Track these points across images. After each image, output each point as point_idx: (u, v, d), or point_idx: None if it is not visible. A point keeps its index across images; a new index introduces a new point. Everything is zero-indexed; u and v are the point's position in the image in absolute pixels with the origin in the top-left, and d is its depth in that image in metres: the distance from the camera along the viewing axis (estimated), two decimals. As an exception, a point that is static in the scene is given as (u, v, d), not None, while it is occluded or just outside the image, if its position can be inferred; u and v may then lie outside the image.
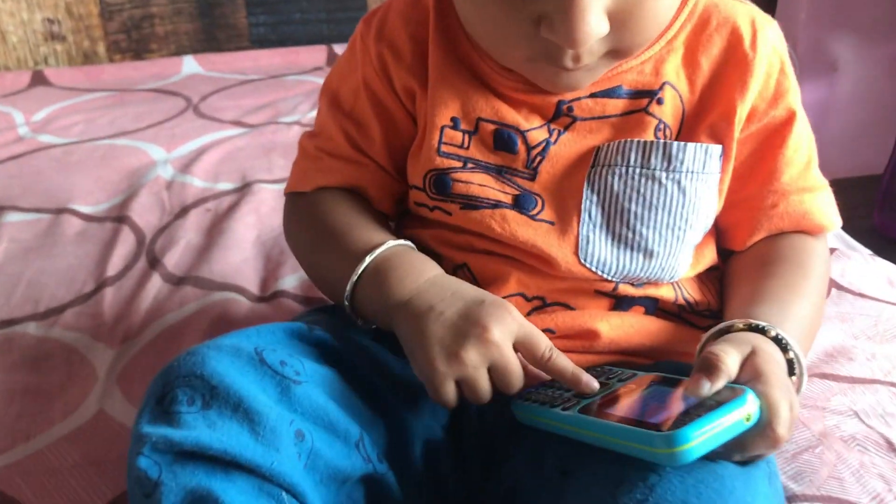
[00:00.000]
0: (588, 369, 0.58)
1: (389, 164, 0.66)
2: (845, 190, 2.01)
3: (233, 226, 1.00)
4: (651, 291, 0.62)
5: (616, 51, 0.55)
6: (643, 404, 0.50)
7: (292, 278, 0.91)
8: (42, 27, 1.46)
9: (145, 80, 1.46)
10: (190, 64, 1.51)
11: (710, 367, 0.49)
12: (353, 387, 0.57)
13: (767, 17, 0.62)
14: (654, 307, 0.63)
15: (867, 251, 1.00)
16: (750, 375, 0.50)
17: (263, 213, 1.04)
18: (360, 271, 0.59)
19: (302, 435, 0.52)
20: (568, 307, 0.61)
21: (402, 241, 0.61)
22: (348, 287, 0.59)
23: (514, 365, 0.54)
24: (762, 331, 0.55)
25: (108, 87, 1.43)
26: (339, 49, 1.55)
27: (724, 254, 0.68)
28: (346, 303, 0.60)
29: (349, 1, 1.57)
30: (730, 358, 0.50)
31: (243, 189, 1.09)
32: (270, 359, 0.54)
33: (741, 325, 0.55)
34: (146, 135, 1.25)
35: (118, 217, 1.03)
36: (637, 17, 0.52)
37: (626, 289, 0.61)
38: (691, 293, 0.64)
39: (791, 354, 0.54)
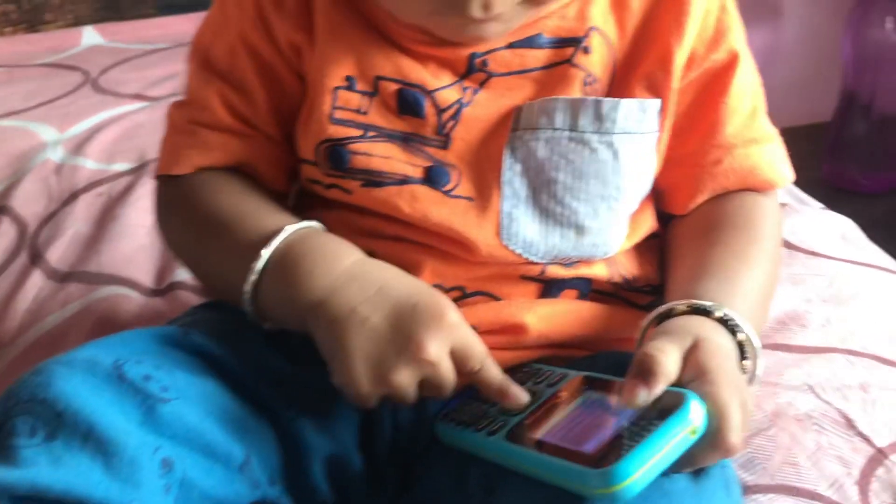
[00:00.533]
0: (515, 369, 0.52)
1: (279, 133, 0.58)
2: (793, 140, 1.96)
3: (127, 211, 0.92)
4: (583, 271, 0.56)
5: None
6: (575, 422, 0.45)
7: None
8: (-79, -1, 1.34)
9: (40, 54, 1.35)
10: (90, 35, 1.40)
11: (645, 372, 0.44)
12: (238, 401, 0.51)
13: None
14: (588, 289, 0.56)
15: (819, 205, 0.94)
16: (693, 374, 0.45)
17: (162, 195, 0.95)
18: (258, 267, 0.50)
19: (170, 464, 0.45)
20: (491, 297, 0.55)
21: (305, 224, 0.52)
22: (247, 287, 0.51)
23: (448, 380, 0.48)
24: (706, 312, 0.50)
25: (-3, 64, 1.31)
26: (254, 12, 1.45)
27: (665, 218, 0.61)
28: (248, 307, 0.51)
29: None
30: (668, 358, 0.45)
31: (140, 169, 1.00)
32: (132, 373, 0.47)
33: (683, 308, 0.50)
34: (36, 114, 1.15)
35: (-1, 207, 0.94)
36: None
37: (554, 270, 0.55)
38: (628, 268, 0.58)
39: (742, 336, 0.49)
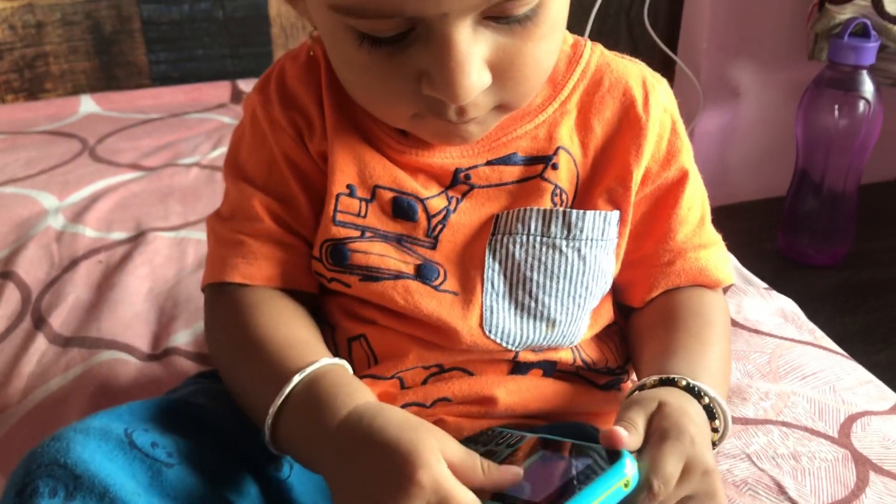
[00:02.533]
0: (479, 434, 0.57)
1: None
2: (750, 212, 2.07)
3: (124, 279, 0.97)
4: (550, 356, 0.62)
5: (503, 104, 0.54)
6: (528, 477, 0.49)
7: (185, 333, 0.88)
8: (-73, 68, 1.40)
9: (40, 122, 1.41)
10: (87, 103, 1.46)
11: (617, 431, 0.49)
12: (233, 464, 0.56)
13: (657, 76, 0.63)
14: (553, 369, 0.62)
15: (763, 285, 1.02)
16: (653, 433, 0.50)
17: (157, 263, 1.01)
18: (278, 401, 0.52)
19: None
20: (466, 372, 0.61)
21: (327, 361, 0.54)
22: (271, 410, 0.52)
23: None
24: (673, 382, 0.55)
25: (-1, 130, 1.37)
26: (244, 85, 1.52)
27: (624, 310, 0.68)
28: (267, 433, 0.53)
29: (252, 36, 1.54)
30: (638, 422, 0.50)
31: (137, 238, 1.05)
32: (140, 441, 0.53)
33: (653, 381, 0.56)
34: (37, 182, 1.20)
35: (2, 273, 0.99)
36: (519, 66, 0.52)
37: (525, 355, 0.61)
38: (589, 353, 0.64)
39: (707, 399, 0.54)
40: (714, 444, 0.55)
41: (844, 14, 1.51)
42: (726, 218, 1.90)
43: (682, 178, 0.62)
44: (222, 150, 1.28)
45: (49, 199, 1.15)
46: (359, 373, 0.59)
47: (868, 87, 1.51)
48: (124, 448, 0.52)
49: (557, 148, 0.60)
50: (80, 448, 0.50)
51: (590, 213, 0.59)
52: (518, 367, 0.61)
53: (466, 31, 0.48)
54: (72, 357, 0.85)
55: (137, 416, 0.55)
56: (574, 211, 0.59)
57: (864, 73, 1.51)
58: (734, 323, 0.91)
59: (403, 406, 0.59)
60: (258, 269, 0.60)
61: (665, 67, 1.83)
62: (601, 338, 0.66)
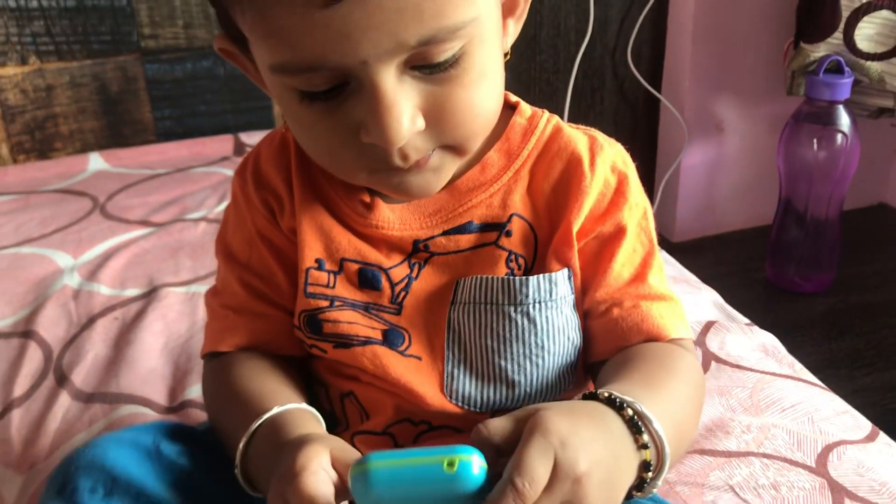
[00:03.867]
0: None
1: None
2: (738, 242, 2.14)
3: (140, 335, 1.02)
4: None
5: (448, 146, 0.56)
6: None
7: (199, 387, 0.93)
8: (-58, 132, 1.46)
9: (51, 180, 1.46)
10: (96, 161, 1.52)
11: (471, 441, 0.49)
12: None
13: (610, 140, 0.66)
14: None
15: (745, 321, 1.07)
16: (524, 431, 0.47)
17: (170, 318, 1.06)
18: (242, 443, 0.58)
19: None
20: (455, 430, 0.64)
21: (286, 407, 0.59)
22: (239, 451, 0.58)
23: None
24: (595, 397, 0.53)
25: (12, 190, 1.43)
26: (245, 138, 1.58)
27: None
28: (238, 472, 0.58)
29: (253, 91, 1.61)
30: (491, 426, 0.49)
31: (150, 294, 1.11)
32: (167, 451, 0.60)
33: (580, 398, 0.55)
34: (52, 241, 1.25)
35: (24, 332, 1.04)
36: (451, 110, 0.54)
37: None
38: None
39: (629, 412, 0.51)
40: (648, 465, 0.51)
41: (818, 52, 1.58)
42: (715, 248, 1.99)
43: (618, 234, 0.63)
44: (227, 203, 1.34)
45: (64, 257, 1.21)
46: (354, 428, 0.64)
47: (844, 120, 1.58)
48: (152, 456, 0.59)
49: (511, 215, 0.63)
50: (114, 454, 0.57)
51: (532, 279, 0.61)
52: None
53: (391, 79, 0.51)
54: (94, 412, 0.90)
55: (162, 432, 0.62)
56: (518, 278, 0.61)
57: (840, 107, 1.57)
58: (717, 359, 0.97)
59: None
60: (240, 339, 0.66)
61: (649, 105, 1.90)
62: None
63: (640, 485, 0.52)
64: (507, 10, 0.59)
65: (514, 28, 0.61)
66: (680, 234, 1.94)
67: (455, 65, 0.52)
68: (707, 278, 1.71)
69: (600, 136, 0.66)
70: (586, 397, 0.53)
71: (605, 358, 0.64)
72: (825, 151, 1.60)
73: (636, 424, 0.51)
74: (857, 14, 1.52)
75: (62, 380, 0.96)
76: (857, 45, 1.55)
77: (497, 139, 0.64)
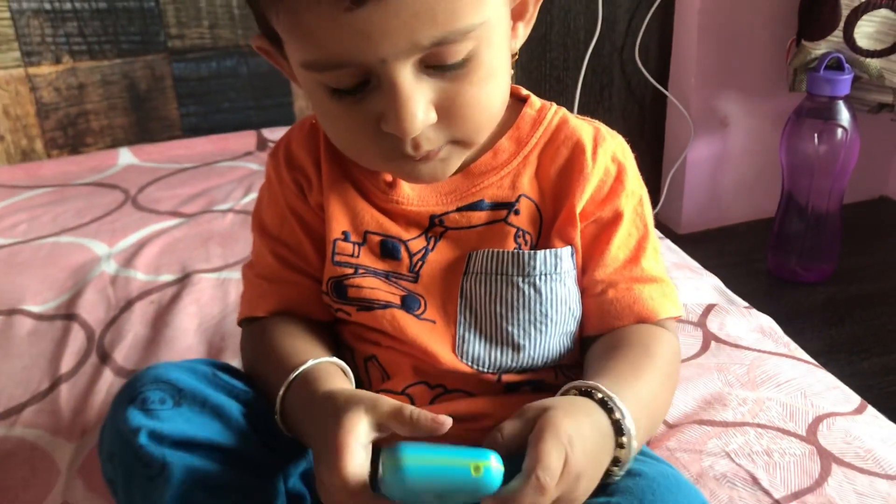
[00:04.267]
0: None
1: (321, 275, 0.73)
2: (742, 234, 2.20)
3: (176, 317, 1.09)
4: (532, 376, 0.71)
5: (457, 140, 0.62)
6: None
7: (235, 362, 1.00)
8: (-20, 129, 1.54)
9: (83, 174, 1.53)
10: (125, 155, 1.59)
11: (487, 445, 0.56)
12: None
13: (612, 132, 0.73)
14: (541, 387, 0.71)
15: (744, 304, 1.13)
16: (533, 433, 0.54)
17: (203, 302, 1.13)
18: (282, 390, 0.65)
19: (254, 425, 0.65)
20: (467, 394, 0.70)
21: (317, 360, 0.66)
22: (277, 400, 0.66)
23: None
24: (590, 395, 0.60)
25: (47, 183, 1.50)
26: (268, 133, 1.65)
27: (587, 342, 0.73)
28: (278, 417, 0.66)
29: (274, 88, 1.68)
30: (506, 430, 0.56)
31: (183, 280, 1.18)
32: (224, 377, 0.68)
33: (573, 391, 0.61)
34: (88, 230, 1.32)
35: (67, 314, 1.11)
36: (461, 105, 0.59)
37: (508, 377, 0.70)
38: (572, 376, 0.72)
39: (617, 415, 0.58)
40: (618, 461, 0.59)
41: (819, 49, 1.63)
42: (720, 239, 2.05)
43: (615, 219, 0.70)
44: (253, 196, 1.41)
45: (100, 246, 1.28)
46: (376, 387, 0.71)
47: (845, 115, 1.63)
48: (210, 379, 0.66)
49: (519, 195, 0.69)
50: (175, 373, 0.65)
51: (540, 253, 0.68)
52: (508, 388, 0.70)
53: (408, 76, 0.56)
54: (136, 387, 0.97)
55: (216, 365, 0.70)
56: (526, 252, 0.68)
57: (841, 102, 1.62)
58: (717, 339, 1.03)
59: None
60: (273, 304, 0.74)
61: (656, 102, 1.96)
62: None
63: (604, 476, 0.60)
64: (517, 14, 0.65)
65: (524, 30, 0.66)
66: (686, 225, 1.99)
67: (466, 64, 0.58)
68: (711, 268, 1.76)
69: (604, 128, 0.72)
70: (582, 394, 0.60)
71: (597, 333, 0.71)
72: (826, 146, 1.66)
73: (620, 427, 0.59)
74: (857, 13, 1.58)
75: (105, 357, 1.03)
76: (856, 42, 1.61)
77: (509, 128, 0.70)
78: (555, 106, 0.73)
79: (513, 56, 0.66)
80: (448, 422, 0.55)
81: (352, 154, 0.66)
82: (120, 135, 1.63)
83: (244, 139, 1.64)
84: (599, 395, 0.59)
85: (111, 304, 1.14)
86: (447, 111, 0.59)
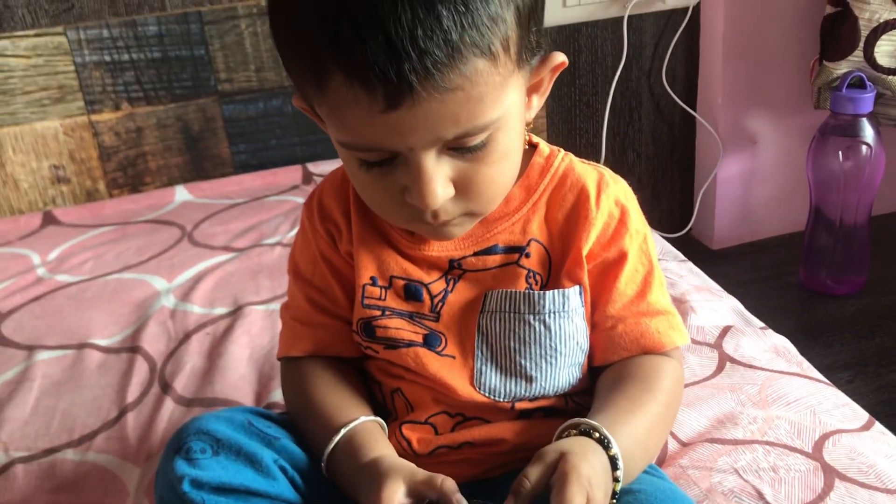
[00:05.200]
0: None
1: (350, 317, 0.80)
2: (774, 248, 2.25)
3: (229, 347, 1.18)
4: (543, 404, 0.77)
5: (471, 212, 0.69)
6: None
7: (281, 389, 1.09)
8: (49, 172, 1.66)
9: (143, 211, 1.64)
10: (181, 192, 1.70)
11: (516, 491, 0.64)
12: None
13: (615, 176, 0.79)
14: (552, 413, 0.78)
15: (760, 324, 1.18)
16: (558, 478, 0.62)
17: (254, 333, 1.22)
18: (328, 450, 0.73)
19: (284, 469, 0.73)
20: (484, 421, 0.76)
21: (361, 419, 0.74)
22: (325, 456, 0.74)
23: None
24: (588, 434, 0.67)
25: (110, 221, 1.61)
26: (313, 167, 1.75)
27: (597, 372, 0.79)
28: (324, 468, 0.74)
29: (318, 125, 1.77)
30: (532, 476, 0.64)
31: (236, 312, 1.27)
32: (258, 425, 0.75)
33: (574, 431, 0.68)
34: (148, 267, 1.43)
35: (131, 347, 1.21)
36: (477, 183, 0.66)
37: (522, 405, 0.76)
38: (580, 401, 0.79)
39: (613, 451, 0.66)
40: (614, 493, 0.66)
41: (841, 69, 1.67)
42: (752, 254, 2.10)
43: (620, 258, 0.76)
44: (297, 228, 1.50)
45: (160, 281, 1.38)
46: (401, 418, 0.79)
47: (868, 132, 1.67)
48: (246, 428, 0.74)
49: (530, 240, 0.75)
50: (214, 424, 0.73)
51: (549, 293, 0.74)
52: (522, 415, 0.76)
53: (431, 158, 0.63)
54: (194, 414, 1.05)
55: (251, 412, 0.78)
56: (537, 292, 0.74)
57: (864, 120, 1.66)
58: (732, 359, 1.09)
59: (437, 448, 0.76)
60: (307, 346, 0.81)
61: (685, 122, 2.02)
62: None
63: None
64: (533, 89, 0.70)
65: (538, 102, 0.72)
66: (718, 241, 2.04)
67: (483, 148, 0.64)
68: (744, 283, 1.82)
69: (607, 174, 0.78)
70: (583, 433, 0.67)
71: (607, 363, 0.77)
72: (851, 162, 1.69)
73: (615, 463, 0.66)
74: (876, 33, 1.62)
75: (166, 387, 1.12)
76: (877, 61, 1.65)
77: (519, 177, 0.76)
78: (562, 152, 0.78)
79: (527, 125, 0.72)
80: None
81: (377, 212, 0.73)
82: (176, 173, 1.75)
83: (291, 174, 1.74)
84: (597, 435, 0.66)
85: (171, 336, 1.24)
86: (465, 188, 0.66)
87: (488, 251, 0.76)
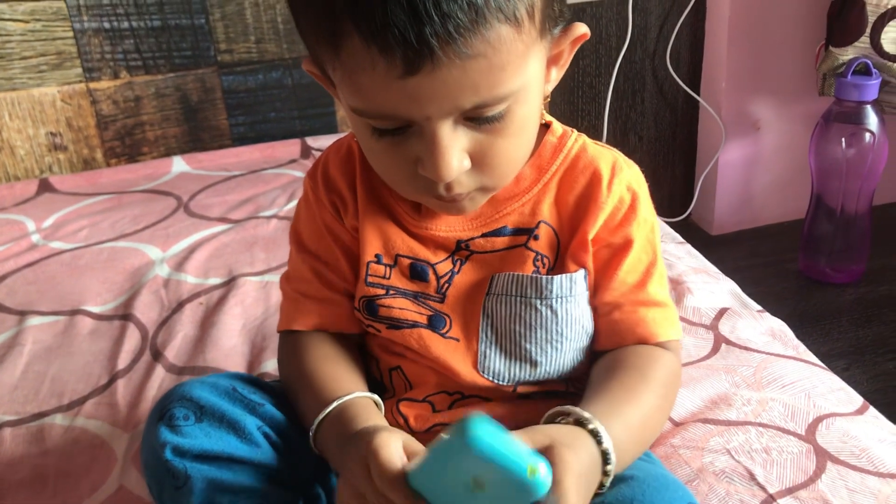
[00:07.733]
0: None
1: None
2: (774, 235, 2.24)
3: (222, 318, 1.17)
4: (544, 388, 0.75)
5: (484, 186, 0.66)
6: None
7: (273, 361, 1.08)
8: (46, 140, 1.65)
9: (139, 181, 1.64)
10: (178, 163, 1.68)
11: None
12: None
13: (629, 161, 0.76)
14: (552, 395, 0.76)
15: (757, 307, 1.17)
16: (557, 469, 0.57)
17: (248, 304, 1.21)
18: (317, 420, 0.70)
19: (268, 435, 0.72)
20: (483, 399, 0.75)
21: (352, 395, 0.71)
22: (312, 428, 0.71)
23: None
24: (582, 425, 0.63)
25: (106, 190, 1.60)
26: (311, 141, 1.74)
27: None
28: (311, 441, 0.71)
29: (318, 98, 1.77)
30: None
31: (230, 283, 1.26)
32: (242, 391, 0.74)
33: (567, 420, 0.65)
34: (143, 236, 1.42)
35: (124, 315, 1.21)
36: (492, 155, 0.63)
37: (524, 388, 0.75)
38: (579, 385, 0.77)
39: (605, 446, 0.63)
40: (602, 485, 0.63)
41: (847, 55, 1.66)
42: (751, 240, 2.09)
43: (626, 245, 0.73)
44: (296, 202, 1.49)
45: (154, 251, 1.37)
46: (399, 396, 0.77)
47: (872, 119, 1.66)
48: (230, 394, 0.73)
49: (539, 222, 0.73)
50: (198, 391, 0.72)
51: (556, 278, 0.72)
52: (522, 396, 0.75)
53: (447, 128, 0.60)
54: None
55: (236, 378, 0.77)
56: (544, 277, 0.72)
57: (868, 107, 1.65)
58: (727, 341, 1.08)
59: (434, 425, 0.74)
60: (310, 319, 0.78)
61: (688, 106, 2.00)
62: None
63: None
64: (552, 60, 0.68)
65: (557, 74, 0.69)
66: (718, 227, 2.03)
67: (501, 119, 0.62)
68: (743, 269, 1.81)
69: (621, 158, 0.75)
70: (577, 423, 0.64)
71: (604, 349, 0.76)
72: (854, 149, 1.68)
73: (607, 457, 0.63)
74: (883, 19, 1.60)
75: (157, 355, 1.12)
76: (883, 48, 1.63)
77: (531, 155, 0.73)
78: (575, 133, 0.76)
79: (545, 99, 0.69)
80: None
81: (389, 183, 0.70)
82: (173, 144, 1.73)
83: (289, 147, 1.73)
84: (591, 426, 0.63)
85: (164, 305, 1.23)
86: (480, 160, 0.63)
87: (497, 232, 0.74)
